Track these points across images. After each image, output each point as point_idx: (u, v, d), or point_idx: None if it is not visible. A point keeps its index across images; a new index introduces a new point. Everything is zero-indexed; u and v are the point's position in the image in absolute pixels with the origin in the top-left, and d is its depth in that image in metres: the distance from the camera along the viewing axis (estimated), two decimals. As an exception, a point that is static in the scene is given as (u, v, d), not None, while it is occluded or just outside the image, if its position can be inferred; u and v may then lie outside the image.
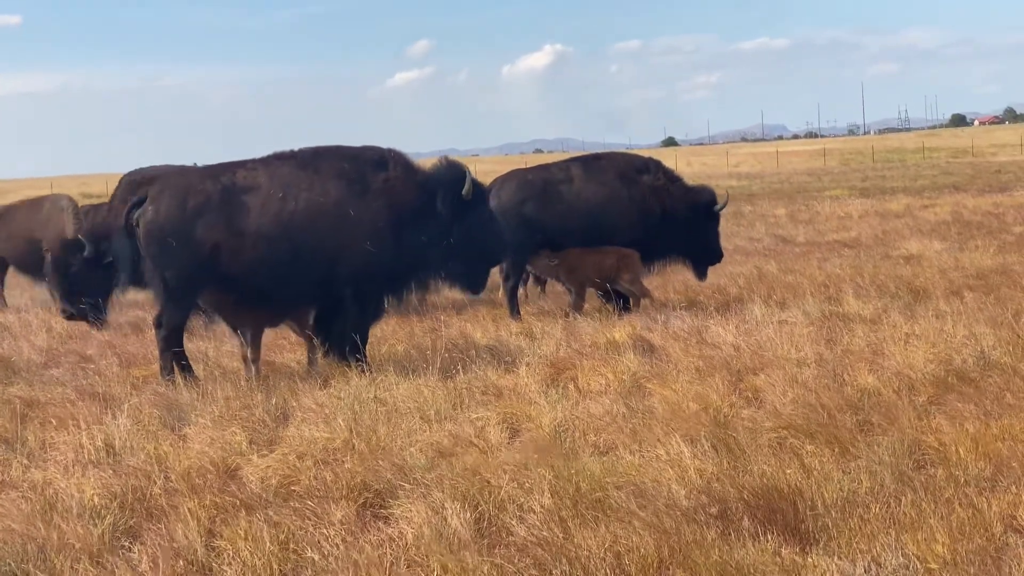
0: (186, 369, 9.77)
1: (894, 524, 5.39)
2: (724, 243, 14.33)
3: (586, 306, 12.91)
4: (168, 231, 9.63)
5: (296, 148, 10.41)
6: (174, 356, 9.77)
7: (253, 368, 9.83)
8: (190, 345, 11.21)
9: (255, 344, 9.96)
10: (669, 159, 27.72)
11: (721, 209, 13.72)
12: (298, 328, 10.39)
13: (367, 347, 10.13)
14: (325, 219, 9.85)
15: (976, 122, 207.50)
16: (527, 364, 9.37)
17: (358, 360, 9.77)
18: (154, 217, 9.69)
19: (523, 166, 15.49)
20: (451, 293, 15.60)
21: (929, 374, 8.29)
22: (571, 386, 8.76)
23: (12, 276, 16.94)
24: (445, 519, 5.68)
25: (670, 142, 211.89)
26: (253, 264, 9.70)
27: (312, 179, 9.94)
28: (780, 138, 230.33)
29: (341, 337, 9.99)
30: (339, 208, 9.89)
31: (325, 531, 5.66)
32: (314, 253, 9.84)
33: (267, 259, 9.71)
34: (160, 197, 9.79)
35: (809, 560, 5.08)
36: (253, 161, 10.18)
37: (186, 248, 9.63)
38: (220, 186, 9.77)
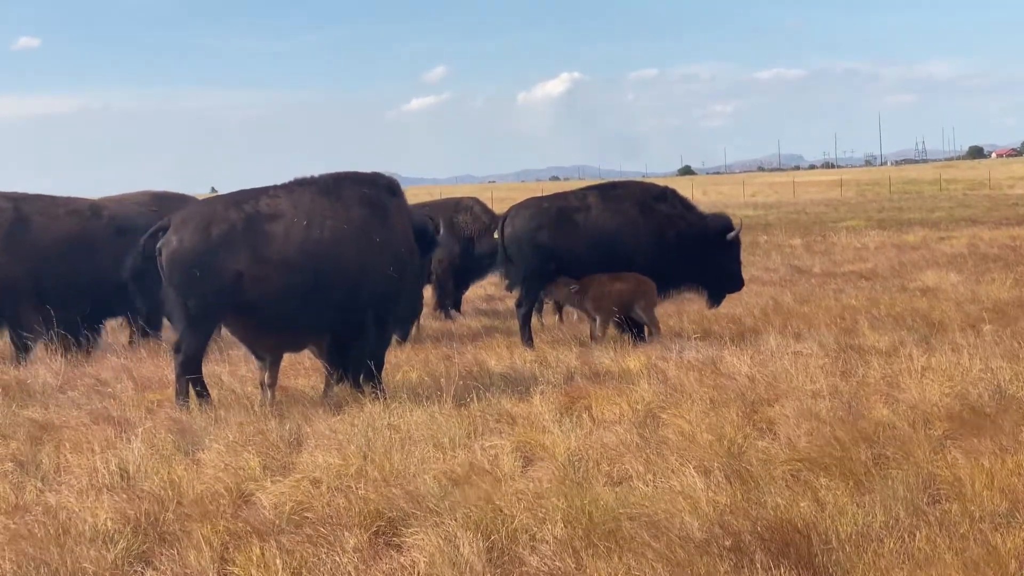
0: (202, 396, 9.78)
1: (908, 559, 5.35)
2: (739, 272, 14.28)
3: (599, 334, 12.91)
4: (192, 261, 9.64)
5: (310, 173, 10.51)
6: (190, 382, 9.79)
7: (269, 393, 9.86)
8: (204, 369, 11.25)
9: (273, 370, 9.99)
10: (686, 188, 27.74)
11: (734, 237, 13.67)
12: (319, 353, 10.41)
13: (381, 373, 10.16)
14: (351, 244, 9.98)
15: (994, 154, 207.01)
16: (541, 392, 9.36)
17: (373, 387, 9.79)
18: (178, 247, 9.69)
19: (539, 193, 15.51)
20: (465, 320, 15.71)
21: (945, 408, 8.25)
22: (585, 415, 8.75)
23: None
24: (457, 548, 5.67)
25: (687, 171, 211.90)
26: (278, 290, 9.73)
27: (335, 205, 10.05)
28: (797, 168, 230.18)
29: (358, 363, 10.02)
30: (364, 233, 10.08)
31: (338, 559, 5.65)
32: (340, 278, 9.93)
33: (292, 285, 9.75)
34: (184, 226, 9.80)
35: (823, 594, 5.06)
36: (275, 188, 10.23)
37: (210, 277, 9.63)
38: (243, 214, 9.79)
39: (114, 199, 14.58)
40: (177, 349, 9.86)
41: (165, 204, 14.73)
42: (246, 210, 9.82)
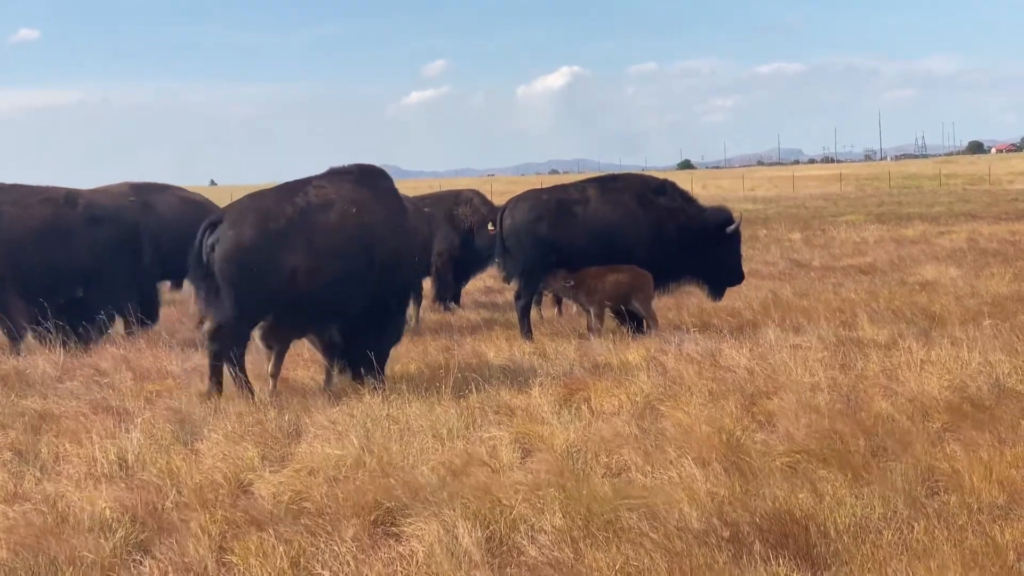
0: (244, 384, 9.76)
1: (907, 551, 5.37)
2: (739, 266, 14.25)
3: (596, 326, 12.89)
4: (250, 256, 9.57)
5: (310, 167, 10.61)
6: (224, 369, 9.76)
7: (271, 383, 9.86)
8: (203, 360, 11.24)
9: (278, 360, 9.99)
10: (685, 182, 27.64)
11: (734, 230, 13.63)
12: (319, 343, 10.40)
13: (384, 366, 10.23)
14: (390, 231, 10.19)
15: (993, 150, 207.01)
16: (540, 384, 9.37)
17: (375, 377, 9.83)
18: (236, 242, 9.60)
19: (539, 186, 15.48)
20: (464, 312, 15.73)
21: (943, 401, 8.26)
22: (584, 407, 8.75)
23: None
24: (456, 538, 5.68)
25: (686, 165, 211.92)
26: (329, 280, 9.76)
27: (374, 194, 10.26)
28: (797, 162, 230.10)
29: (364, 354, 10.08)
30: (398, 220, 10.35)
31: (336, 548, 5.66)
32: (382, 265, 10.08)
33: (343, 274, 9.81)
34: (241, 222, 9.72)
35: (821, 585, 5.07)
36: (318, 178, 10.32)
37: (267, 272, 9.60)
38: (296, 207, 9.80)
39: (96, 191, 14.54)
40: (216, 337, 9.74)
41: (144, 193, 14.71)
42: (298, 202, 9.85)
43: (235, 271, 9.60)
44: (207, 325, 9.85)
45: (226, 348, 9.74)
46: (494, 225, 14.46)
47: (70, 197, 13.22)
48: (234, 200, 10.59)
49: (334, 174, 10.40)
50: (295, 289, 9.67)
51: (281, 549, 5.62)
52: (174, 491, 6.74)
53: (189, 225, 14.83)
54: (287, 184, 10.44)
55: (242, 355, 9.87)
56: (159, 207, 14.71)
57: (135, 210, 13.63)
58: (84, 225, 12.97)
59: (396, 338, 10.58)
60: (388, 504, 6.30)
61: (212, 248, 9.68)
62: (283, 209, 9.79)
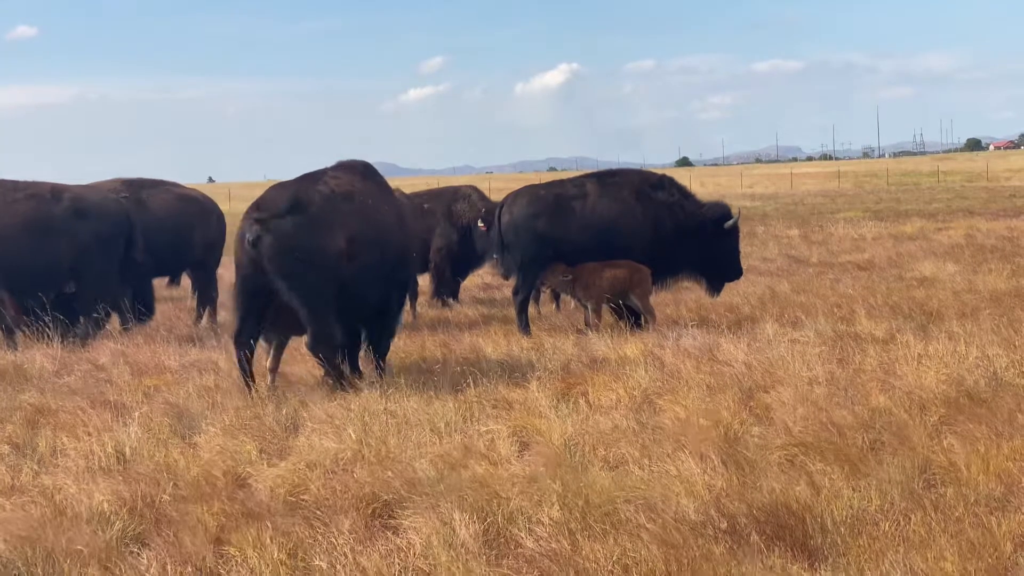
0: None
1: (903, 542, 5.38)
2: (736, 262, 14.23)
3: (594, 322, 12.89)
4: (299, 242, 9.49)
5: (308, 163, 10.70)
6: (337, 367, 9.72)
7: (270, 377, 9.87)
8: (201, 355, 11.25)
9: (277, 354, 9.99)
10: (683, 179, 27.69)
11: (732, 225, 13.60)
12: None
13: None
14: (397, 223, 10.37)
15: (991, 147, 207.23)
16: (538, 378, 9.37)
17: (376, 372, 9.85)
18: (279, 229, 9.47)
19: (537, 183, 15.48)
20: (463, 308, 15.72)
21: (941, 394, 8.26)
22: (581, 401, 8.75)
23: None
24: (454, 530, 5.69)
25: (684, 162, 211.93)
26: (363, 268, 9.78)
27: (380, 189, 10.43)
28: (795, 160, 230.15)
29: (365, 350, 10.13)
30: (401, 214, 10.65)
31: (333, 540, 5.67)
32: (393, 256, 10.20)
33: (370, 264, 9.84)
34: (282, 211, 9.59)
35: (817, 576, 5.07)
36: (332, 169, 10.35)
37: (317, 257, 9.55)
38: (322, 195, 9.81)
39: (87, 187, 14.52)
40: (324, 340, 9.64)
41: (137, 189, 14.68)
42: (322, 190, 9.86)
43: (287, 258, 9.46)
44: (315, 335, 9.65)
45: (336, 343, 9.75)
46: (484, 223, 14.43)
47: (56, 192, 13.16)
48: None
49: (343, 167, 10.45)
50: (342, 274, 9.62)
51: (278, 541, 5.63)
52: (171, 484, 6.75)
53: (183, 220, 14.84)
54: (303, 175, 10.39)
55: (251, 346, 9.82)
56: (152, 203, 14.69)
57: (123, 205, 13.58)
58: (70, 220, 12.91)
59: (393, 334, 10.60)
60: (386, 497, 6.31)
61: (254, 244, 9.48)
62: (311, 196, 9.78)
